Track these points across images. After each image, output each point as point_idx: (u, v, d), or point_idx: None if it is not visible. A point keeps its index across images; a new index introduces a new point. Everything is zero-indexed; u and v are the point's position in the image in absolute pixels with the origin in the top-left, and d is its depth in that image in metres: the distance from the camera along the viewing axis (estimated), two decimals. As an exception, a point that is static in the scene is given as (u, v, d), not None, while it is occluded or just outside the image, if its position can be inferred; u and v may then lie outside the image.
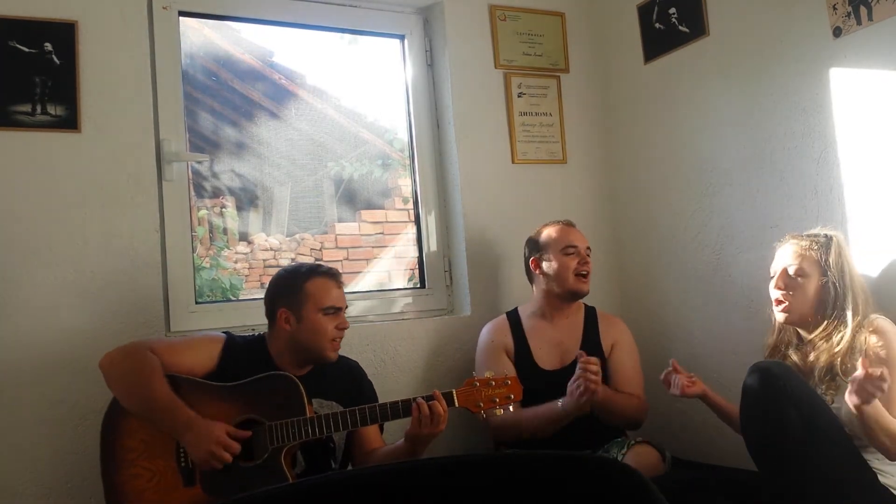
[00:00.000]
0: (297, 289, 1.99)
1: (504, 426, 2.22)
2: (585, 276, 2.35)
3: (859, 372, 1.65)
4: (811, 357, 1.88)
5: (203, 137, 2.57)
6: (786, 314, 1.92)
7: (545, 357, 2.35)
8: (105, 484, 1.86)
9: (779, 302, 1.93)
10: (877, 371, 1.62)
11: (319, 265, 2.07)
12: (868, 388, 1.62)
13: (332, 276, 2.03)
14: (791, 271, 1.91)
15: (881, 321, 1.83)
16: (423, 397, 1.86)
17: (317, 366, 2.04)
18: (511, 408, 1.92)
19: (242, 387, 1.89)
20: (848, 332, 1.82)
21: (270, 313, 2.03)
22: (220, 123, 2.62)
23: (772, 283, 1.96)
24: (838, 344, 1.81)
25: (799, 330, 1.96)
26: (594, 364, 2.05)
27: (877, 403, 1.68)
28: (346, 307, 2.05)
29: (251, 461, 1.84)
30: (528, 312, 2.45)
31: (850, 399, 1.67)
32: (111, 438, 1.87)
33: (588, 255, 2.38)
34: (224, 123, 2.63)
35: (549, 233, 2.40)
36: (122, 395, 1.87)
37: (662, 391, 2.68)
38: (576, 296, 2.37)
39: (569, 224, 2.43)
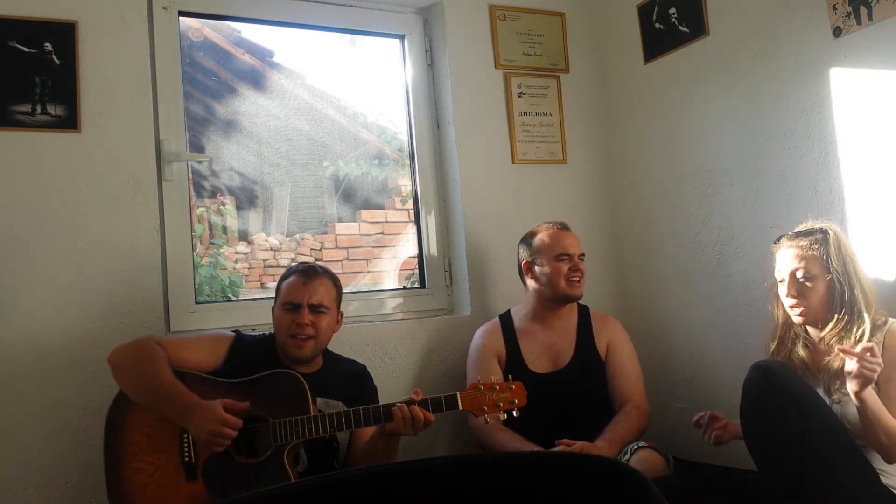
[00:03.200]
0: (278, 287, 2.06)
1: (481, 440, 2.23)
2: (578, 280, 2.33)
3: (851, 361, 1.66)
4: (826, 359, 1.86)
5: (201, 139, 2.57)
6: (802, 318, 1.90)
7: (536, 361, 2.34)
8: (107, 478, 1.86)
9: (794, 307, 1.90)
10: (867, 348, 1.64)
11: (301, 264, 2.10)
12: (866, 367, 1.63)
13: (303, 273, 2.03)
14: (799, 276, 1.87)
15: None
16: (405, 402, 1.87)
17: (324, 366, 2.06)
18: (514, 413, 1.91)
19: (248, 384, 1.90)
20: (867, 325, 1.80)
21: None
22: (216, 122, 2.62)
23: (782, 290, 1.93)
24: (859, 341, 1.79)
25: (809, 328, 1.94)
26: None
27: (876, 399, 1.68)
28: (316, 306, 1.99)
29: (254, 458, 1.84)
30: (520, 314, 2.44)
31: (850, 386, 1.67)
32: (114, 433, 1.87)
33: (581, 261, 2.36)
34: (219, 122, 2.63)
35: (542, 237, 2.38)
36: (128, 384, 1.88)
37: (661, 391, 2.69)
38: (568, 300, 2.35)
39: (563, 228, 2.40)
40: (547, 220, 2.44)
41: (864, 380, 1.65)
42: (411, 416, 1.84)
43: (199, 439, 1.81)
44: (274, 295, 2.09)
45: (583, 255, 2.38)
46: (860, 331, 1.81)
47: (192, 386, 1.88)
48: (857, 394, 1.67)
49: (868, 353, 1.64)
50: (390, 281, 2.85)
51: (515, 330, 2.40)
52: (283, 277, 2.07)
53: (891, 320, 1.84)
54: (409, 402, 1.86)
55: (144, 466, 1.84)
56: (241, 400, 1.87)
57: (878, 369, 1.64)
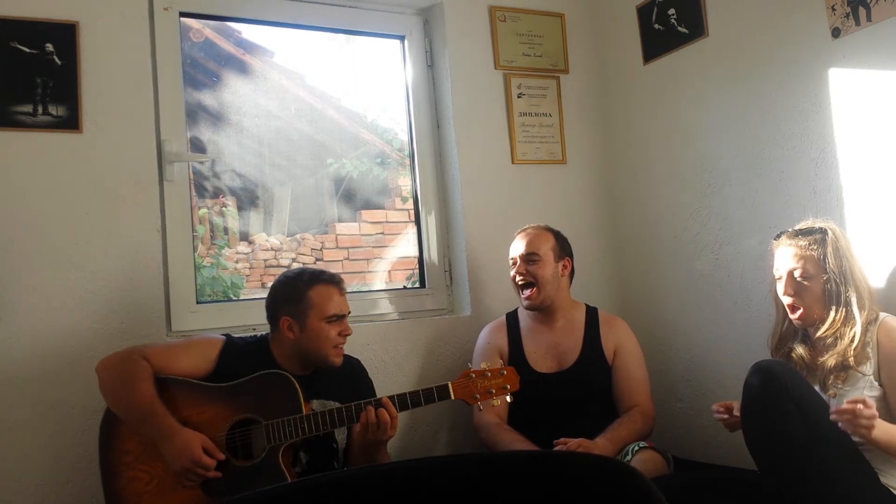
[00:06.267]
0: (300, 297, 1.98)
1: (486, 440, 2.23)
2: (524, 286, 2.31)
3: (840, 418, 1.64)
4: (820, 358, 1.88)
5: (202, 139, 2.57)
6: (801, 320, 1.91)
7: (540, 360, 2.33)
8: (105, 488, 1.85)
9: (792, 308, 1.91)
10: (859, 404, 1.62)
11: (322, 272, 2.05)
12: (862, 424, 1.63)
13: (335, 283, 2.03)
14: (797, 275, 1.89)
15: (892, 320, 1.84)
16: (373, 402, 1.86)
17: (319, 367, 2.04)
18: (507, 398, 1.92)
19: (238, 387, 1.89)
20: (858, 327, 1.81)
21: (273, 319, 2.02)
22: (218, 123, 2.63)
23: (780, 287, 1.94)
24: (851, 342, 1.81)
25: (807, 328, 1.95)
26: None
27: (886, 428, 1.67)
28: (349, 313, 2.05)
29: (249, 460, 1.84)
30: (526, 314, 2.44)
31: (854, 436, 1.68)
32: (109, 443, 1.87)
33: (530, 262, 2.31)
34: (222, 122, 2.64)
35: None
36: (109, 400, 1.87)
37: (661, 391, 2.69)
38: (526, 309, 2.35)
39: (523, 230, 2.40)
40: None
41: (863, 435, 1.64)
42: (376, 420, 1.82)
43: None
44: (288, 304, 1.99)
45: (532, 254, 2.32)
46: (852, 332, 1.82)
47: (182, 394, 1.87)
48: (863, 440, 1.67)
49: (861, 406, 1.62)
50: (381, 280, 2.85)
51: (520, 328, 2.40)
52: (308, 286, 1.98)
53: (882, 315, 1.86)
54: (378, 405, 1.85)
55: (140, 475, 1.83)
56: (233, 402, 1.86)
57: (874, 422, 1.63)
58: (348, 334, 2.02)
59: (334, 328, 1.98)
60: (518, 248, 2.36)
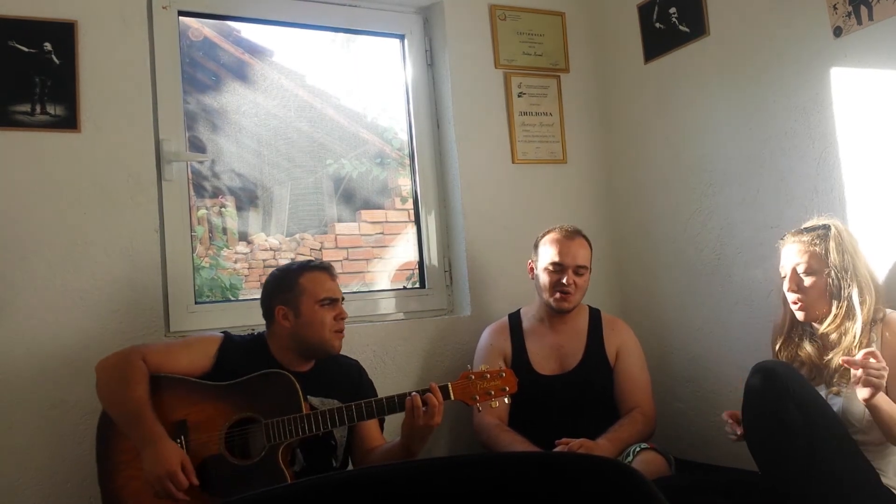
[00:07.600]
0: (292, 284, 2.00)
1: (486, 441, 2.22)
2: (568, 294, 2.26)
3: (857, 371, 1.65)
4: (826, 356, 1.88)
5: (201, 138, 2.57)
6: (803, 313, 1.92)
7: (543, 362, 2.32)
8: (102, 488, 1.85)
9: (795, 303, 1.93)
10: (869, 352, 1.63)
11: (310, 260, 2.08)
12: (873, 376, 1.63)
13: (325, 269, 2.04)
14: (800, 270, 1.90)
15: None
16: (419, 391, 1.87)
17: (318, 364, 2.04)
18: (506, 400, 1.92)
19: (238, 385, 1.89)
20: (858, 323, 1.81)
21: (268, 312, 2.03)
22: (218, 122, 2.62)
23: (785, 285, 1.95)
24: (853, 339, 1.81)
25: (813, 323, 1.95)
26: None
27: (888, 401, 1.68)
28: (343, 298, 2.05)
29: (248, 459, 1.84)
30: (529, 315, 2.42)
31: (860, 394, 1.67)
32: (106, 442, 1.86)
33: (580, 274, 2.28)
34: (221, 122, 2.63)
35: (546, 242, 2.33)
36: (103, 401, 1.86)
37: (661, 391, 2.69)
38: (556, 311, 2.31)
39: (568, 236, 2.31)
40: (562, 224, 2.37)
41: (873, 388, 1.64)
42: (424, 403, 1.82)
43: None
44: (281, 293, 2.01)
45: (582, 267, 2.29)
46: (855, 327, 1.82)
47: (182, 391, 1.87)
48: (867, 401, 1.66)
49: (871, 359, 1.63)
50: (385, 283, 2.85)
51: (523, 330, 2.39)
52: (298, 274, 2.00)
53: (888, 311, 1.86)
54: (424, 392, 1.86)
55: (138, 474, 1.80)
56: (233, 401, 1.86)
57: (885, 373, 1.63)
58: (344, 318, 2.01)
59: (329, 312, 1.98)
60: (569, 257, 2.27)
